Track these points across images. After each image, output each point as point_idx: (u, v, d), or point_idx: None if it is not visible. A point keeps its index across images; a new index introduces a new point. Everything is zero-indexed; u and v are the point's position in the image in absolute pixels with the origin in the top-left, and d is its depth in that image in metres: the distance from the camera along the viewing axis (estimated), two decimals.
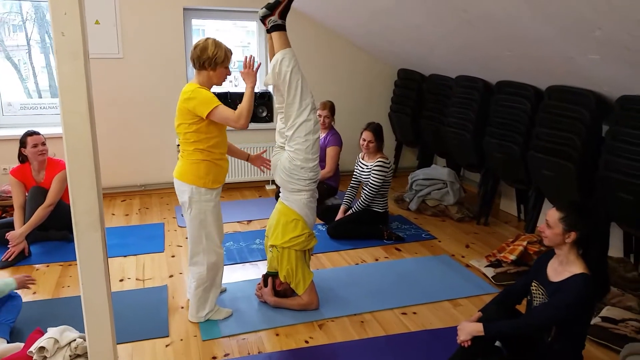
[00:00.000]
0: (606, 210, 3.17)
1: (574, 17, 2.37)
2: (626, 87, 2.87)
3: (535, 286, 2.38)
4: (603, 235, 3.19)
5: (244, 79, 2.70)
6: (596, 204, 3.24)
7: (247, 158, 3.20)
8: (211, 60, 2.61)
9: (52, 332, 2.36)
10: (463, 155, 4.61)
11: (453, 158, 4.96)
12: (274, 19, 2.80)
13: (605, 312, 2.94)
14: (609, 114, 3.12)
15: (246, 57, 2.71)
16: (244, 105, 2.60)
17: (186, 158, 2.69)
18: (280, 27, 2.81)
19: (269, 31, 2.85)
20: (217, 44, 2.62)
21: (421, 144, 5.50)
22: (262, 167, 3.24)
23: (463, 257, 3.84)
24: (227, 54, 2.66)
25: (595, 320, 2.87)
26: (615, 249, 3.49)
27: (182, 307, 3.03)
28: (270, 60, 2.87)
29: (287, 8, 2.81)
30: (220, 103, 2.58)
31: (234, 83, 5.75)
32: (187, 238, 2.89)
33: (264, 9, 2.81)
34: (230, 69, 2.79)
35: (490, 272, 3.52)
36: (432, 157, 5.58)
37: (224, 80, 2.75)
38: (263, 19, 2.83)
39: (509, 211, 4.81)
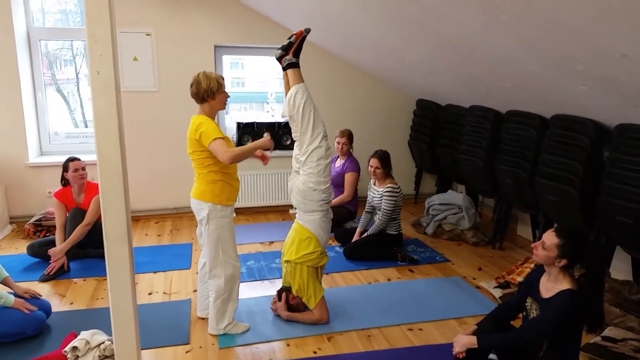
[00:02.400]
0: (607, 235, 3.28)
1: (558, 52, 2.56)
2: (621, 115, 3.01)
3: (529, 302, 2.51)
4: (598, 271, 3.27)
5: (262, 140, 3.01)
6: (598, 233, 3.35)
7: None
8: (207, 91, 2.89)
9: (84, 334, 2.65)
10: (477, 182, 4.77)
11: (468, 184, 5.11)
12: (289, 57, 3.10)
13: (607, 331, 3.02)
14: (609, 141, 3.25)
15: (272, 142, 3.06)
16: (240, 150, 2.87)
17: (202, 179, 2.96)
18: (295, 65, 3.11)
19: (284, 69, 3.15)
20: (207, 76, 2.90)
21: (439, 170, 5.68)
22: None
23: (474, 279, 3.96)
24: (219, 81, 2.93)
25: (596, 339, 2.96)
26: (622, 272, 3.55)
27: (203, 319, 3.27)
28: (286, 94, 3.16)
29: (299, 47, 3.12)
30: (220, 136, 2.83)
31: (271, 113, 6.11)
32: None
33: (279, 50, 3.12)
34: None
35: (498, 292, 3.64)
36: (450, 183, 5.74)
37: (225, 103, 3.03)
38: (279, 59, 3.14)
39: (525, 236, 4.90)
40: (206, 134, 2.82)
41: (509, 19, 2.50)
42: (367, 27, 4.03)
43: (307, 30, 3.10)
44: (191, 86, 2.93)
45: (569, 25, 2.25)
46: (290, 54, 3.11)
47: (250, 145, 2.97)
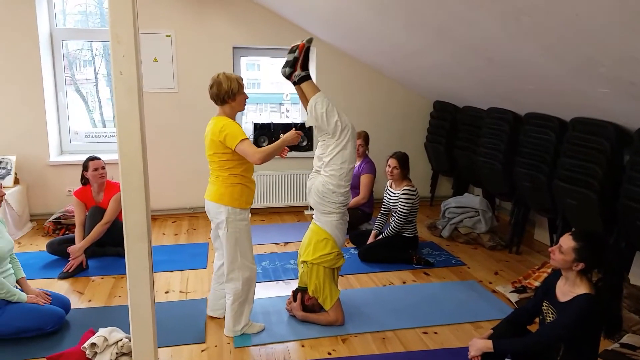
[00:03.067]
0: (627, 240, 3.23)
1: (580, 56, 2.54)
2: None
3: (546, 306, 2.49)
4: (616, 274, 3.22)
5: (290, 134, 3.01)
6: (617, 237, 3.30)
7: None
8: (228, 92, 2.89)
9: (102, 331, 2.68)
10: (494, 185, 4.73)
11: (486, 187, 5.08)
12: (298, 73, 3.08)
13: (626, 338, 2.98)
14: (630, 144, 3.21)
15: (300, 134, 3.07)
16: (270, 148, 2.89)
17: (221, 182, 2.96)
18: (306, 78, 3.09)
19: (296, 83, 3.12)
20: (228, 77, 2.90)
21: (456, 173, 5.65)
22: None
23: (490, 283, 3.94)
24: (239, 82, 2.93)
25: (614, 346, 2.92)
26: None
27: (219, 318, 3.29)
28: (305, 108, 3.15)
29: (306, 59, 3.10)
30: (246, 138, 2.84)
31: (286, 115, 6.13)
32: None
33: (286, 69, 3.10)
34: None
35: (514, 297, 3.61)
36: (467, 186, 5.71)
37: (245, 105, 3.03)
38: (288, 76, 3.11)
39: (542, 241, 4.85)
40: (232, 135, 2.82)
41: (530, 22, 2.49)
42: (386, 30, 4.03)
43: (309, 41, 3.07)
44: (211, 87, 2.93)
45: (591, 28, 2.23)
46: (298, 68, 3.08)
47: (278, 142, 2.97)
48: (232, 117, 2.98)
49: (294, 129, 3.05)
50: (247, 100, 3.03)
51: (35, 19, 4.95)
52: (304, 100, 3.16)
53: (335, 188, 3.12)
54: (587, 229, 3.42)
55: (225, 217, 2.95)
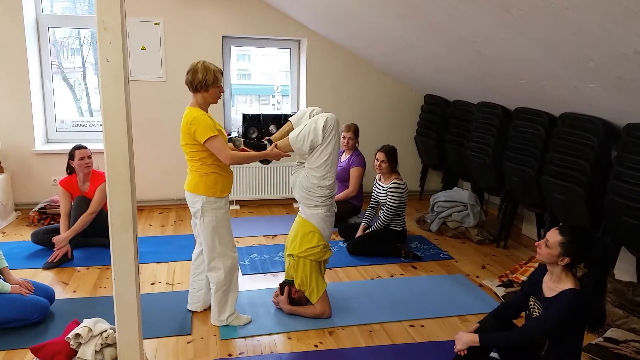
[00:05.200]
0: (614, 235, 3.26)
1: (569, 50, 2.54)
2: (630, 114, 2.99)
3: (532, 301, 2.50)
4: (601, 269, 3.24)
5: (273, 151, 3.04)
6: (603, 233, 3.33)
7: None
8: (202, 83, 2.84)
9: (87, 322, 2.64)
10: (483, 179, 4.74)
11: (475, 181, 5.09)
12: (269, 148, 3.09)
13: (609, 333, 3.01)
14: (618, 140, 3.22)
15: (284, 156, 3.11)
16: (243, 157, 2.93)
17: (195, 172, 2.94)
18: (271, 142, 3.15)
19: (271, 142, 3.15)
20: (205, 67, 2.85)
21: (445, 167, 5.66)
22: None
23: (477, 277, 3.95)
24: (216, 74, 2.88)
25: (598, 340, 2.95)
26: (626, 273, 3.54)
27: (205, 310, 3.27)
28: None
29: (252, 146, 3.13)
30: (216, 134, 2.80)
31: (276, 107, 6.08)
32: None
33: (264, 163, 3.23)
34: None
35: (501, 291, 3.63)
36: (456, 180, 5.72)
37: (219, 98, 2.99)
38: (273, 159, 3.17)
39: (530, 235, 4.88)
40: (201, 132, 2.79)
41: (520, 15, 2.48)
42: (377, 22, 4.01)
43: (238, 142, 3.11)
44: (187, 73, 2.88)
45: (581, 22, 2.22)
46: (260, 154, 3.09)
47: (256, 154, 3.00)
48: (204, 108, 2.93)
49: (275, 145, 3.05)
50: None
51: (21, 5, 4.85)
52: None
53: (319, 181, 3.10)
54: (574, 224, 3.44)
55: (201, 206, 2.92)
